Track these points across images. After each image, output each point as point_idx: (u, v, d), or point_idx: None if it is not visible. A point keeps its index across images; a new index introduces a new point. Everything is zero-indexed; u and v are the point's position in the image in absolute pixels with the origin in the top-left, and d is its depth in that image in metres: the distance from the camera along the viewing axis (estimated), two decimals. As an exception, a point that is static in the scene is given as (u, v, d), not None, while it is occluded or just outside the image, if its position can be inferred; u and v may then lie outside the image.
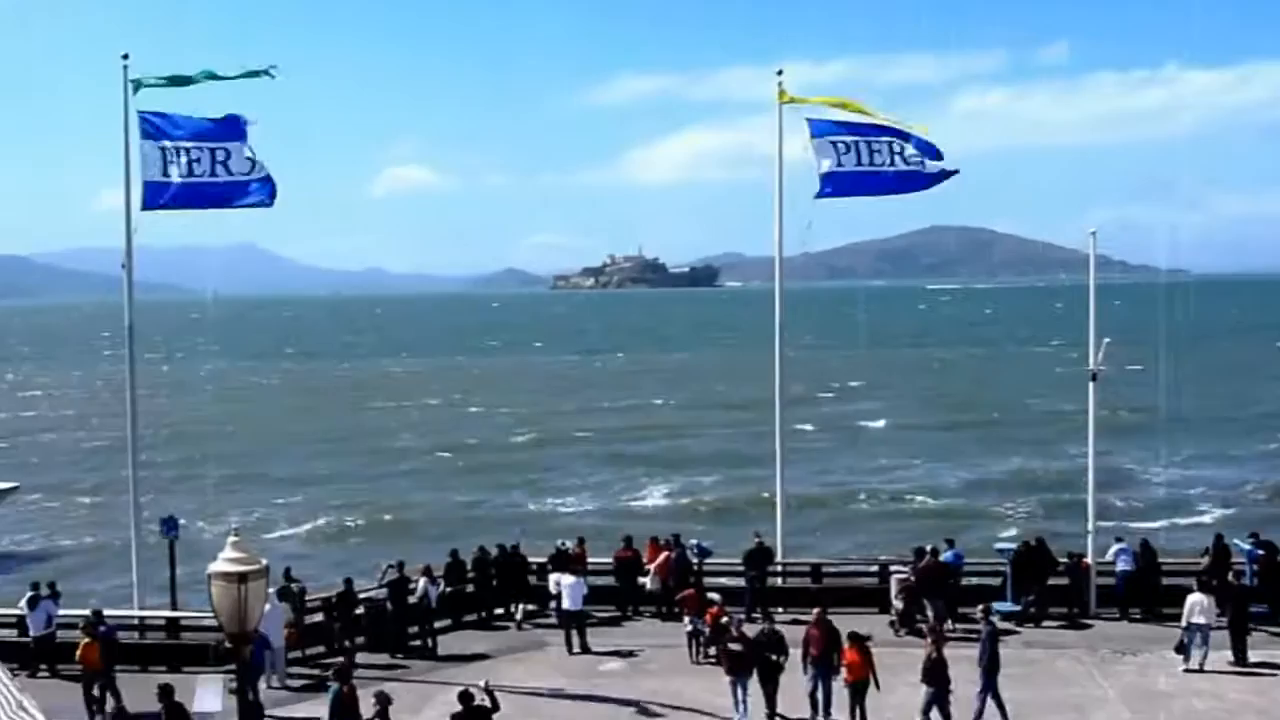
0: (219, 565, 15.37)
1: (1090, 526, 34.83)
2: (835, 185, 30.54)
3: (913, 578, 32.53)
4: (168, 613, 32.30)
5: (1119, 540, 35.71)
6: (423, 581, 32.75)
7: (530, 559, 35.54)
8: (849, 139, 29.87)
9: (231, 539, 15.83)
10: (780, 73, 31.51)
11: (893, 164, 30.30)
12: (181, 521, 34.81)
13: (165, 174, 27.82)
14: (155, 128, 27.83)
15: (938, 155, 31.02)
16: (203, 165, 27.77)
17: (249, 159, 28.36)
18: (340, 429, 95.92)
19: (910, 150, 30.75)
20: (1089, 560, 34.62)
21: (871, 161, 29.83)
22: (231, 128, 28.13)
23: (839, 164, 30.30)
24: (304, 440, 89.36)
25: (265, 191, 28.28)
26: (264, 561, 15.91)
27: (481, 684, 22.55)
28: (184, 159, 27.75)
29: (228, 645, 21.28)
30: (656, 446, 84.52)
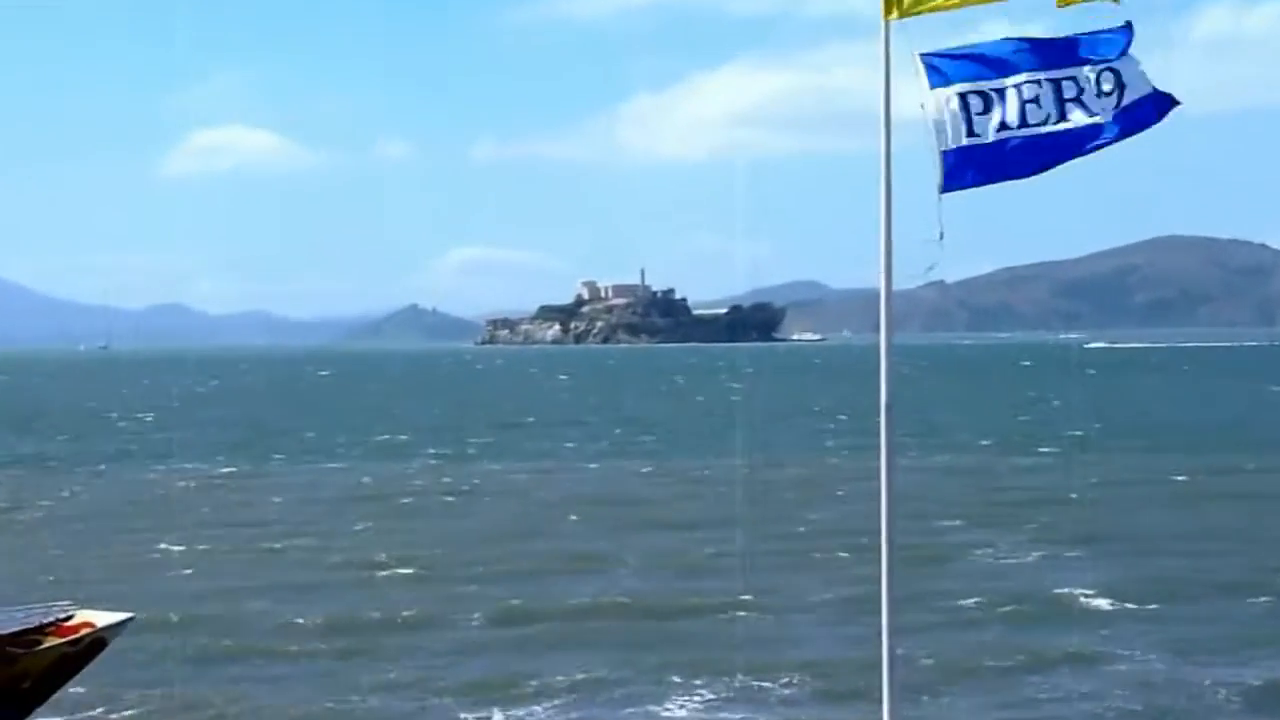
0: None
1: None
2: (977, 166, 15.83)
3: None
4: None
5: None
6: None
7: None
8: (990, 85, 13.43)
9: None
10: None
11: (1064, 115, 14.07)
12: None
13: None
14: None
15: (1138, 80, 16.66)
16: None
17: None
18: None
19: (1093, 74, 15.98)
20: None
21: (1028, 120, 13.64)
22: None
23: (972, 131, 14.86)
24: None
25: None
26: None
27: None
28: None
29: None
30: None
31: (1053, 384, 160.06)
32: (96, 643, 31.43)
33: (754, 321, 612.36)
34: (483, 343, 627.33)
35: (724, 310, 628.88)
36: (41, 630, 31.23)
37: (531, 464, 76.28)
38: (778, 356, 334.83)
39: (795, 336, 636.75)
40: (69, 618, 31.81)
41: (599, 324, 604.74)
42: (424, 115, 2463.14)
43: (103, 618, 34.12)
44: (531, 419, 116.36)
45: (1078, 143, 15.31)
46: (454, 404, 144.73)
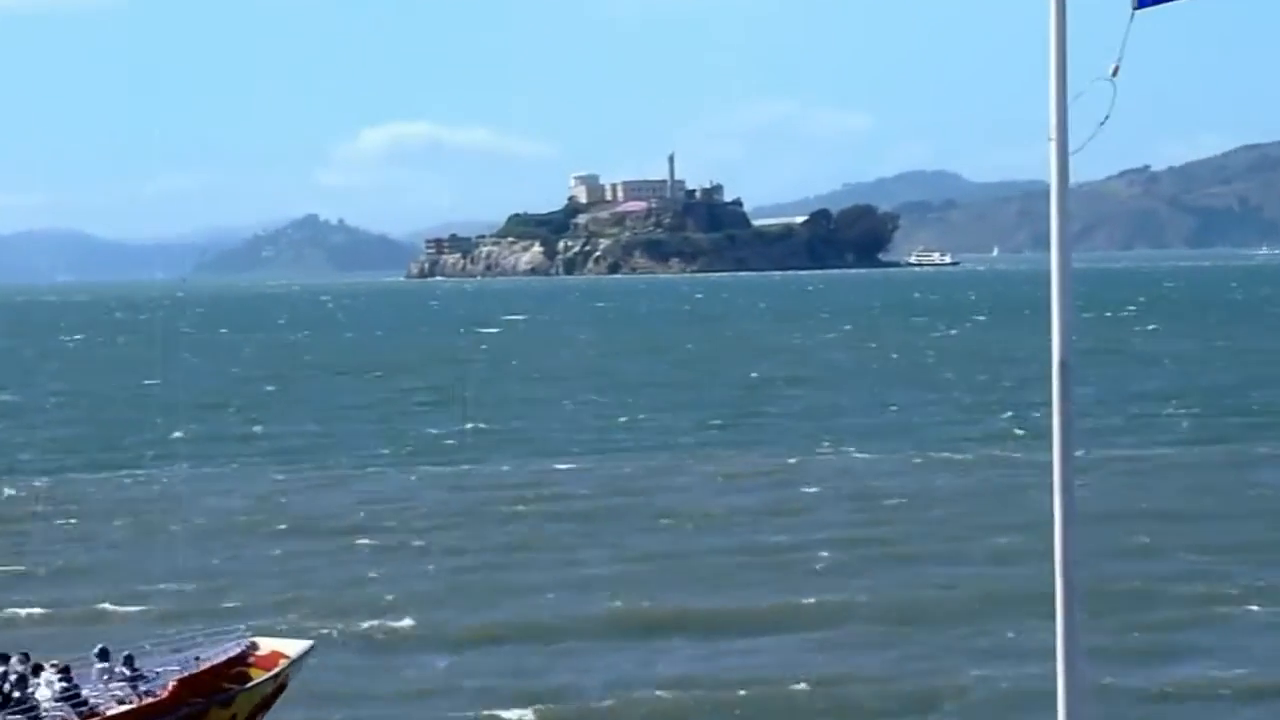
0: None
1: None
2: None
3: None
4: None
5: None
6: None
7: None
8: None
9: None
10: None
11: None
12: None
13: None
14: None
15: None
16: None
17: None
18: None
19: None
20: None
21: None
22: None
23: None
24: None
25: None
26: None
27: None
28: None
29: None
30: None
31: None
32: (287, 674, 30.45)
33: (849, 236, 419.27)
34: (418, 274, 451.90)
35: (801, 219, 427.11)
36: (243, 661, 29.99)
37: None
38: (898, 291, 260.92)
39: (913, 258, 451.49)
40: (255, 646, 30.66)
41: (603, 243, 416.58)
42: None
43: (289, 646, 32.17)
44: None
45: None
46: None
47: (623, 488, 64.49)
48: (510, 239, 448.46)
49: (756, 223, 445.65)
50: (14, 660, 28.75)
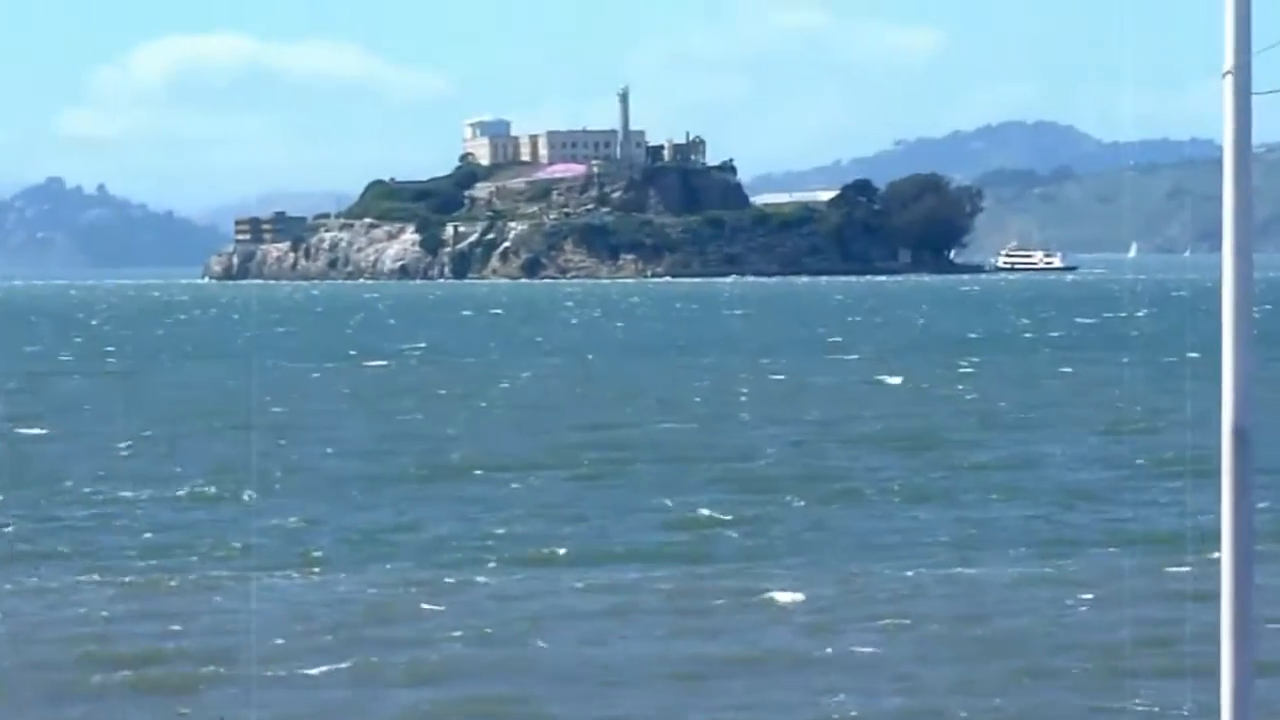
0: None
1: None
2: None
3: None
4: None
5: None
6: None
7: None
8: None
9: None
10: None
11: None
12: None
13: None
14: None
15: None
16: None
17: None
18: None
19: None
20: None
21: None
22: None
23: None
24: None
25: None
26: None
27: None
28: None
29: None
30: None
31: None
32: None
33: (903, 223, 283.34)
34: (222, 273, 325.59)
35: (828, 194, 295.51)
36: None
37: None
38: (988, 311, 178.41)
39: (1003, 258, 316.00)
40: None
41: (516, 229, 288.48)
42: None
43: None
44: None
45: None
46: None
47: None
48: (369, 220, 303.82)
49: (758, 199, 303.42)
50: None
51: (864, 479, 62.72)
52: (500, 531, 51.71)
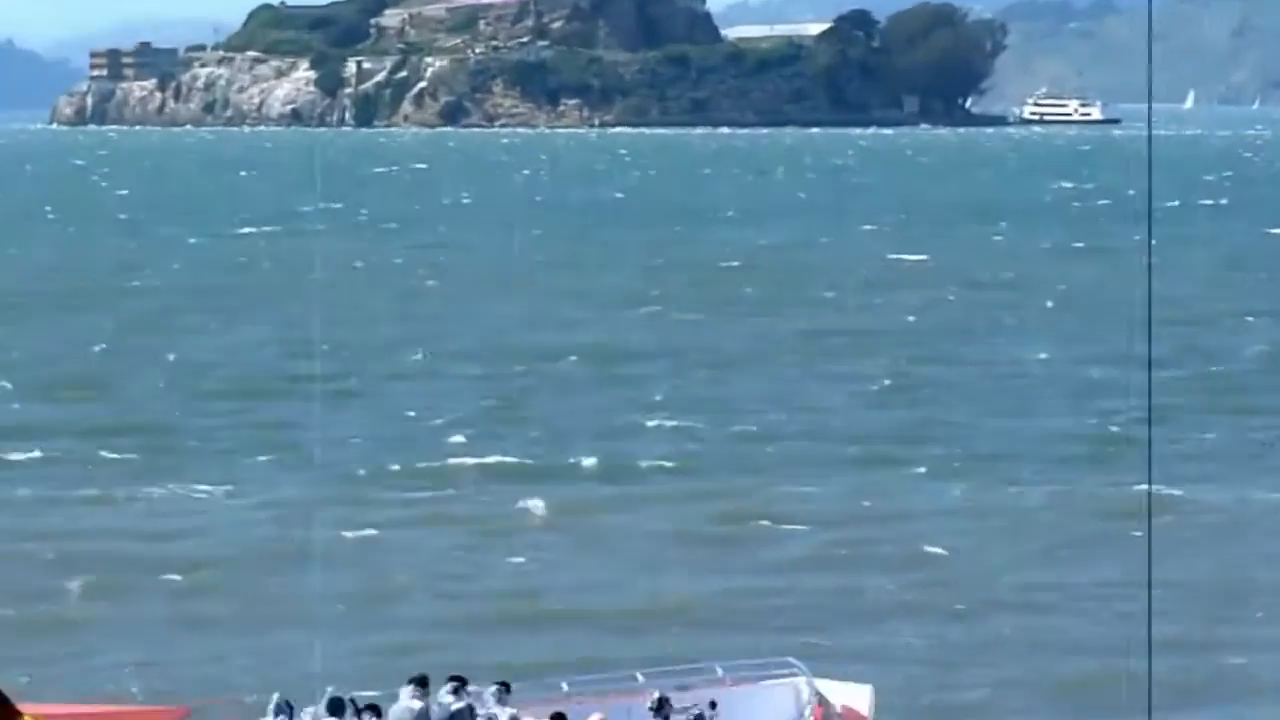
0: None
1: None
2: None
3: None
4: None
5: None
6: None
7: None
8: None
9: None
10: None
11: None
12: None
13: None
14: None
15: None
16: None
17: None
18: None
19: None
20: None
21: None
22: None
23: None
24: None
25: None
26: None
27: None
28: None
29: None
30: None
31: None
32: None
33: (910, 64, 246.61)
34: (74, 117, 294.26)
35: (817, 28, 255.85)
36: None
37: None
38: (1020, 174, 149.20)
39: (1030, 109, 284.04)
40: (821, 698, 26.00)
41: (432, 64, 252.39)
42: None
43: (853, 695, 25.96)
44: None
45: None
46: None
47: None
48: (254, 54, 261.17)
49: (731, 32, 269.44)
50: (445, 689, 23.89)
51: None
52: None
